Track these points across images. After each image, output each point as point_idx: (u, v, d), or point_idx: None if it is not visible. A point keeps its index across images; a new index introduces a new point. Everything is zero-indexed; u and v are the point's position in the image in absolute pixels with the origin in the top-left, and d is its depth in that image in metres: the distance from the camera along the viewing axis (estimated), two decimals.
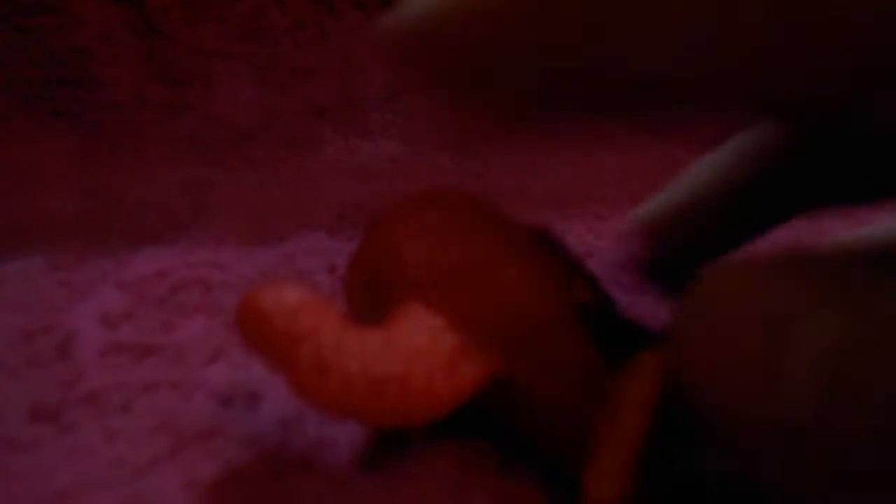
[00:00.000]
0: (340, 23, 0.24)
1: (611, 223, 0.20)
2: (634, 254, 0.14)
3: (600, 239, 0.19)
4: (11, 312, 0.15)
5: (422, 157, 0.24)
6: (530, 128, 0.24)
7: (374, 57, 0.24)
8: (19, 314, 0.15)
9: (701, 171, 0.13)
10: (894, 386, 0.06)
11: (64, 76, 0.22)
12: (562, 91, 0.08)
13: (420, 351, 0.09)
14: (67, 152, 0.21)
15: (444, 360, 0.09)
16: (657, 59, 0.07)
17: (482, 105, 0.10)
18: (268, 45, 0.23)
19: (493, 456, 0.11)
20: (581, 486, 0.09)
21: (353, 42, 0.24)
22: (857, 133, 0.08)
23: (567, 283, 0.10)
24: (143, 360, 0.13)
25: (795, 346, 0.07)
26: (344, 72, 0.24)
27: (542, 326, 0.10)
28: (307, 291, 0.10)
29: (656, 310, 0.15)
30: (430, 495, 0.11)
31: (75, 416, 0.12)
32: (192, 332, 0.14)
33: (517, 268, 0.10)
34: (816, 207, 0.12)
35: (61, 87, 0.22)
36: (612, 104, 0.08)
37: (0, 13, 0.20)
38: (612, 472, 0.08)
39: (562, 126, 0.14)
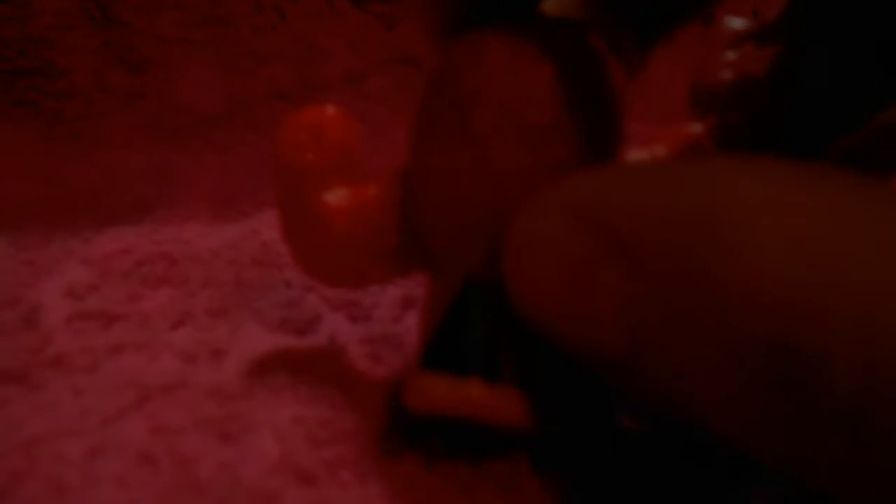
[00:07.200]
0: (298, 6, 0.24)
1: None
2: None
3: None
4: None
5: (382, 138, 0.25)
6: None
7: (334, 40, 0.25)
8: None
9: None
10: (690, 332, 0.07)
11: (23, 66, 0.22)
12: None
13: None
14: (30, 141, 0.21)
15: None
16: None
17: None
18: (227, 31, 0.24)
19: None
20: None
21: (313, 25, 0.24)
22: None
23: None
24: (109, 326, 0.14)
25: (598, 296, 0.08)
26: (304, 55, 0.25)
27: None
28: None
29: None
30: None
31: (43, 377, 0.12)
32: (158, 301, 0.15)
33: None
34: None
35: (21, 77, 0.22)
36: None
37: None
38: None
39: None
